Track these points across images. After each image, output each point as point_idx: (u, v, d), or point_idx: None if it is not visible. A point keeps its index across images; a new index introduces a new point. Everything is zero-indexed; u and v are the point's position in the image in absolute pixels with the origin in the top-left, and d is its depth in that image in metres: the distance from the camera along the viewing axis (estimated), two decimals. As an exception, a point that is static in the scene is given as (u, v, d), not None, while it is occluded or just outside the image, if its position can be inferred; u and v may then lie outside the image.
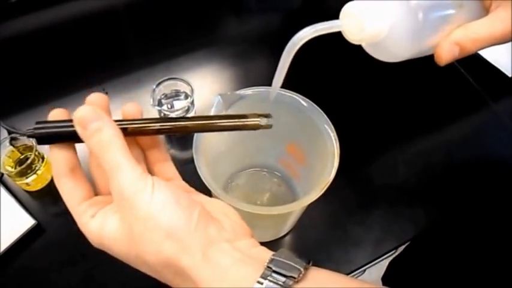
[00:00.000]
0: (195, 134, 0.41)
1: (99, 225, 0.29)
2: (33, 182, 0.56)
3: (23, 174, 0.54)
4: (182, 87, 0.60)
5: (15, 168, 0.55)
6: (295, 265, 0.26)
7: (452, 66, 0.68)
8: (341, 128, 0.44)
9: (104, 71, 0.68)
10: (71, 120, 0.29)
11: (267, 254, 0.28)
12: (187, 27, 0.73)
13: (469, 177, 0.62)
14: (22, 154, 0.56)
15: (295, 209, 0.42)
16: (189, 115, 0.59)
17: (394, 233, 0.56)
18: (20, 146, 0.56)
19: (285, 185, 0.57)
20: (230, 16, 0.77)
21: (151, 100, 0.57)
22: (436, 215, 0.58)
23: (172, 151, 0.62)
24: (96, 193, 0.32)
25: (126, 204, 0.27)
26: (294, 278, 0.26)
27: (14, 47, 0.69)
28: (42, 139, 0.29)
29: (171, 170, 0.34)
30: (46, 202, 0.57)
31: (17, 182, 0.55)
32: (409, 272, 0.71)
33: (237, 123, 0.32)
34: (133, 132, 0.31)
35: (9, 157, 0.55)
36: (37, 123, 0.29)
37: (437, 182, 0.61)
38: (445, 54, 0.34)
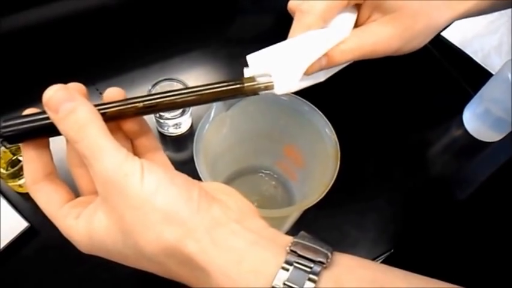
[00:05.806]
0: (196, 135, 0.41)
1: (86, 224, 0.26)
2: (26, 183, 0.54)
3: (15, 175, 0.53)
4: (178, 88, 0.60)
5: (7, 169, 0.54)
6: (321, 249, 0.24)
7: (454, 77, 0.69)
8: (337, 130, 0.44)
9: (97, 71, 0.67)
10: (43, 112, 0.26)
11: (284, 236, 0.25)
12: (182, 28, 0.73)
13: (463, 180, 0.63)
14: (14, 155, 0.55)
15: (296, 211, 0.42)
16: (185, 116, 0.58)
17: (390, 234, 0.57)
18: (12, 146, 0.55)
19: (281, 187, 0.57)
20: (225, 17, 0.77)
21: (147, 101, 0.56)
22: (431, 218, 0.59)
23: (168, 153, 0.61)
24: (76, 196, 0.29)
25: (114, 192, 0.24)
26: (323, 263, 0.23)
27: (4, 46, 0.67)
28: (13, 138, 0.26)
29: (164, 159, 0.30)
30: (39, 204, 0.55)
31: (9, 184, 0.54)
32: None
33: (232, 87, 0.26)
34: (113, 117, 0.26)
35: (1, 158, 0.54)
36: (4, 121, 0.26)
37: (433, 184, 0.62)
38: (312, 67, 0.36)
